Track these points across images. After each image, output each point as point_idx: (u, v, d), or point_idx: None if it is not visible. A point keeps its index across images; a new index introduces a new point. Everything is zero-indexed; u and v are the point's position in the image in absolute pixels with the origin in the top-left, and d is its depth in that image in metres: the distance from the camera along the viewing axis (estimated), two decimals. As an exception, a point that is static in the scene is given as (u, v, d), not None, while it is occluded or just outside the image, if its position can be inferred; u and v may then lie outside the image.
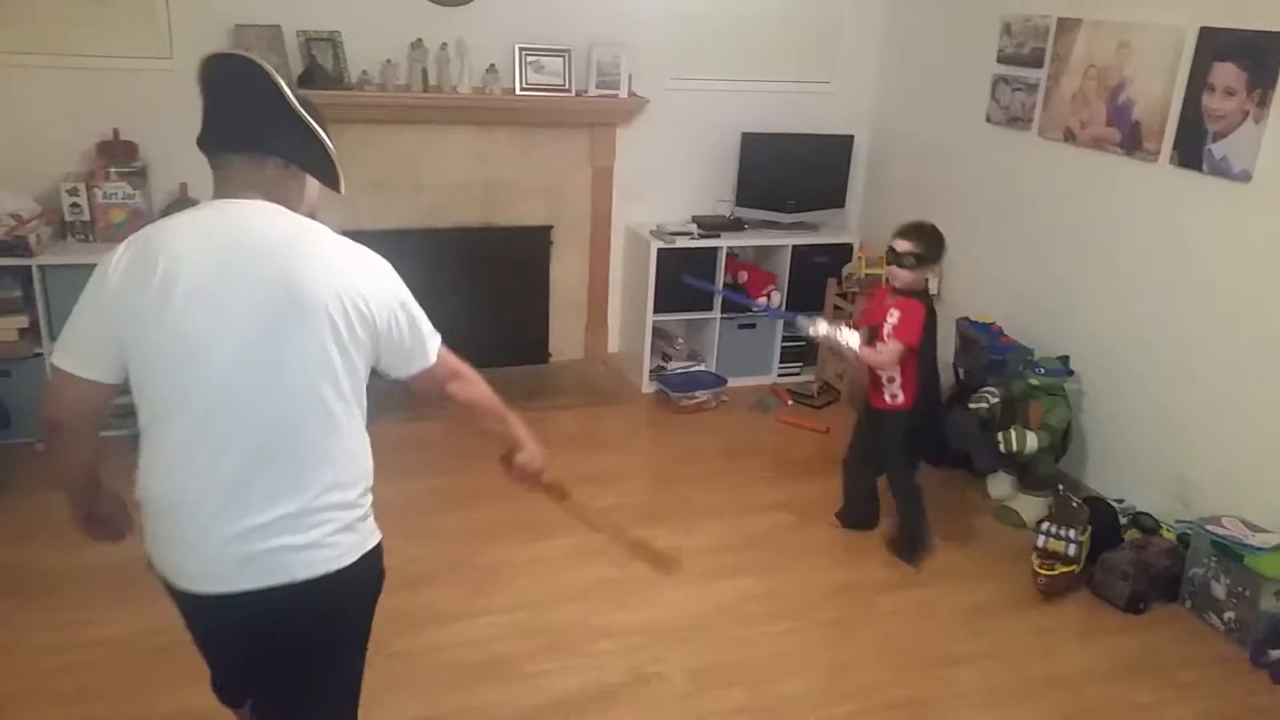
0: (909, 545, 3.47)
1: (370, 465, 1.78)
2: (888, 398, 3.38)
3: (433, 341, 1.84)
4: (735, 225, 4.83)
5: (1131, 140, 3.60)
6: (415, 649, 2.85)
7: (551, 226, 4.74)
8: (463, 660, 2.79)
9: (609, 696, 2.74)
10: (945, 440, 3.80)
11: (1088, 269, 3.85)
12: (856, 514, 3.62)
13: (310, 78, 4.05)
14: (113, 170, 3.91)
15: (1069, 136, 3.88)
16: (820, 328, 3.36)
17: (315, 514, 1.67)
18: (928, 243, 3.26)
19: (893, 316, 3.26)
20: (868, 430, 3.53)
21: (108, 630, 2.85)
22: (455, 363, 1.89)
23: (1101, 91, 3.72)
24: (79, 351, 1.64)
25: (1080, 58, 3.81)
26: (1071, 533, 3.24)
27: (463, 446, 4.12)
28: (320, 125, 1.76)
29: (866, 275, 4.65)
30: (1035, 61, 4.02)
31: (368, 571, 1.78)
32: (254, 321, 1.60)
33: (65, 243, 3.89)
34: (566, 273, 4.85)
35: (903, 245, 3.25)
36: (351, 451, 1.74)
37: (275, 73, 1.69)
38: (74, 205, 3.88)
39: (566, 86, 4.43)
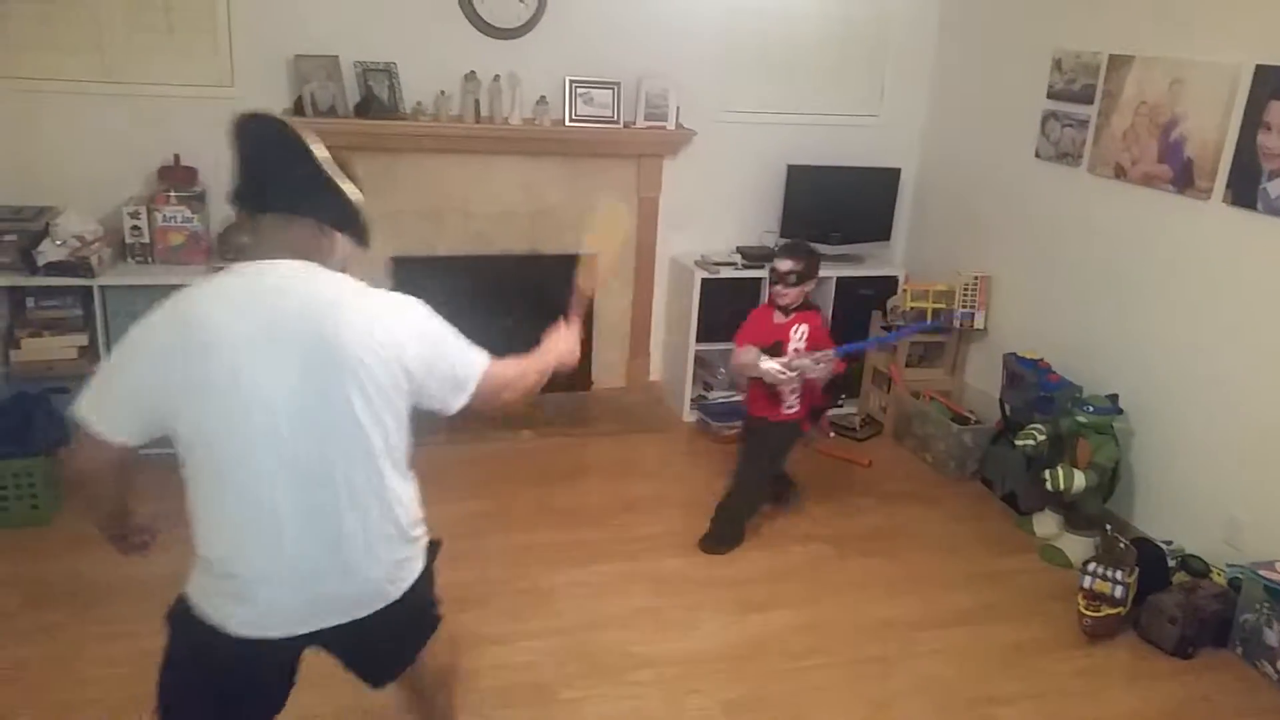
0: (728, 538, 3.61)
1: (417, 503, 1.89)
2: (784, 409, 3.56)
3: (475, 368, 1.89)
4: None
5: (1183, 178, 3.57)
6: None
7: (597, 255, 4.76)
8: (500, 684, 2.80)
9: (645, 726, 2.74)
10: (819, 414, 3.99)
11: (1138, 307, 3.80)
12: (778, 498, 3.90)
13: (366, 107, 4.15)
14: (173, 194, 4.02)
15: (1119, 173, 3.86)
16: (764, 363, 3.46)
17: (374, 558, 1.78)
18: (807, 260, 3.51)
19: (801, 331, 3.52)
20: (759, 439, 3.71)
21: (159, 641, 2.89)
22: (500, 376, 1.94)
23: (1153, 129, 3.69)
24: (111, 418, 1.69)
25: (1132, 94, 3.79)
26: (1118, 574, 3.18)
27: (504, 470, 4.18)
28: (352, 181, 1.80)
29: (911, 308, 4.63)
30: (1086, 98, 4.01)
31: (418, 597, 1.91)
32: (302, 384, 1.66)
33: (125, 264, 3.99)
34: (611, 301, 4.89)
35: (785, 264, 3.49)
36: (400, 493, 1.82)
37: (304, 134, 1.75)
38: (134, 228, 3.99)
39: (615, 118, 4.49)
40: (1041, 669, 3.08)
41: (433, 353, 1.81)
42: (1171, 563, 3.42)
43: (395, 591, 1.84)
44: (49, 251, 3.75)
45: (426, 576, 1.94)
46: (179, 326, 1.68)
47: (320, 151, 1.76)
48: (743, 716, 2.79)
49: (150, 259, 4.02)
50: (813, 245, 3.70)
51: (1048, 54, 4.20)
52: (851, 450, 4.57)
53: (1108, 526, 3.46)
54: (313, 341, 1.67)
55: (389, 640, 1.94)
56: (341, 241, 1.83)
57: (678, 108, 4.57)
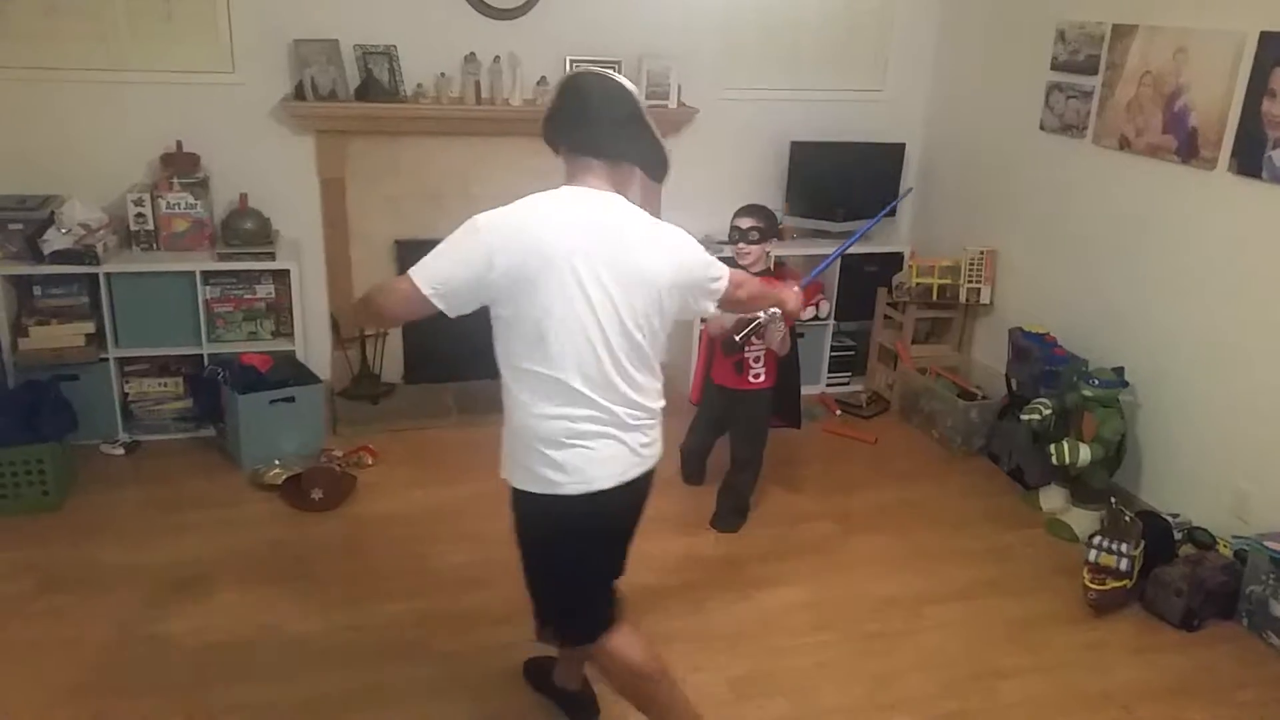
0: (737, 513, 3.65)
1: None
2: (751, 378, 3.55)
3: (722, 280, 2.25)
4: (784, 233, 4.82)
5: (1188, 148, 3.54)
6: (463, 650, 2.90)
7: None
8: (509, 662, 2.82)
9: (651, 702, 2.75)
10: (796, 407, 3.89)
11: (1143, 278, 3.78)
12: (692, 473, 3.91)
13: (366, 90, 4.14)
14: (176, 180, 4.03)
15: (1124, 144, 3.83)
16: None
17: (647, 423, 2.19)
18: (765, 217, 3.51)
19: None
20: (718, 409, 3.69)
21: (166, 627, 2.94)
22: (734, 274, 2.31)
23: (1157, 98, 3.66)
24: (445, 287, 2.01)
25: (1136, 64, 3.76)
26: (1124, 547, 3.18)
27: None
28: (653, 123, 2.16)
29: (918, 284, 4.61)
30: (1090, 69, 3.97)
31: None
32: (613, 282, 2.03)
33: (130, 251, 4.01)
34: (615, 281, 4.89)
35: (745, 222, 3.48)
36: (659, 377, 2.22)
37: (627, 86, 2.10)
38: (139, 215, 4.00)
39: (616, 97, 4.46)
40: (1047, 642, 3.08)
41: (700, 275, 2.20)
42: (1178, 535, 3.42)
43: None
44: (55, 240, 3.77)
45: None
46: (516, 228, 2.03)
47: (642, 101, 2.11)
48: (749, 693, 2.80)
49: (155, 245, 4.04)
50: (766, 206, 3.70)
51: (1051, 25, 4.16)
52: (857, 428, 4.57)
53: (1113, 500, 3.45)
54: (623, 253, 2.05)
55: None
56: (640, 178, 2.19)
57: (679, 86, 4.55)
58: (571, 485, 2.10)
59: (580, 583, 2.28)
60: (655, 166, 2.18)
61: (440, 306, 2.03)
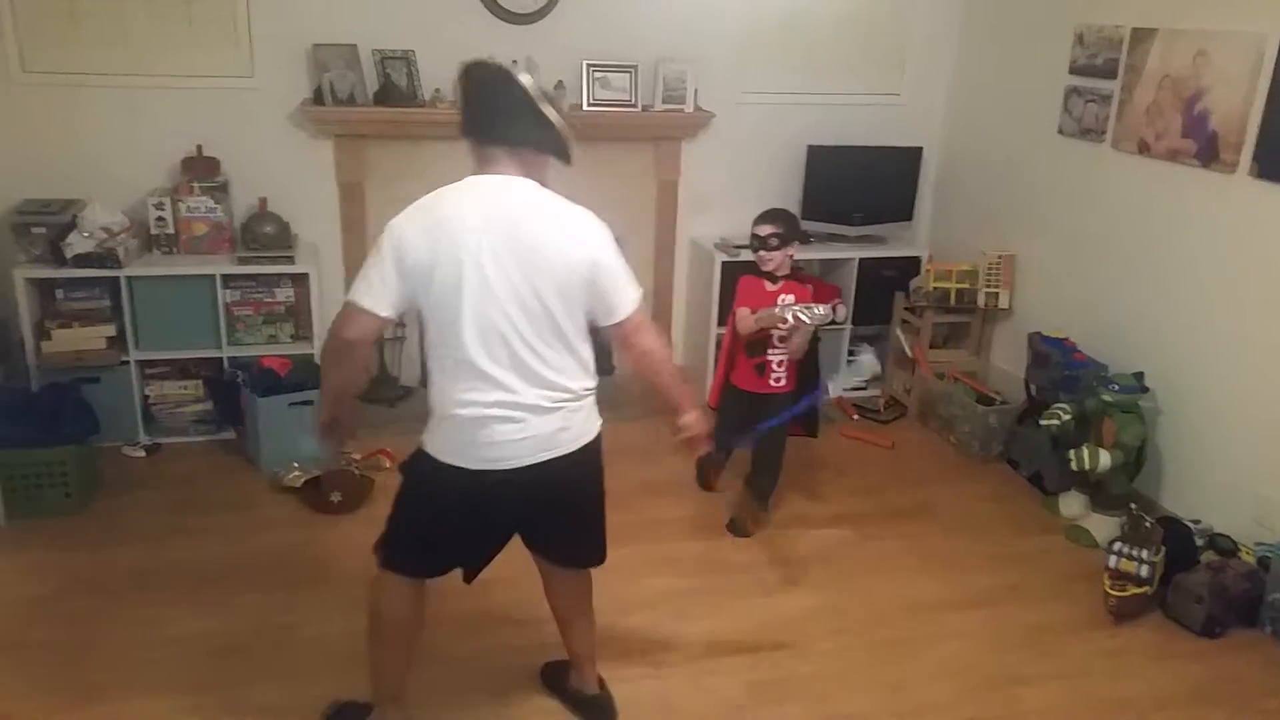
0: (755, 518, 3.63)
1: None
2: (772, 381, 3.55)
3: (632, 299, 2.24)
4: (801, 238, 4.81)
5: (1208, 152, 3.51)
6: (482, 651, 2.91)
7: (616, 239, 4.77)
8: (528, 664, 2.83)
9: (668, 707, 2.75)
10: (814, 416, 3.91)
11: (1163, 283, 3.76)
12: (711, 480, 3.90)
13: (385, 95, 4.16)
14: (196, 185, 4.07)
15: (1143, 148, 3.80)
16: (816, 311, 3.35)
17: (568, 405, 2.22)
18: (785, 222, 3.49)
19: (788, 299, 3.46)
20: (745, 411, 3.60)
21: (186, 628, 2.96)
22: (646, 319, 2.30)
23: (1177, 102, 3.64)
24: (378, 296, 2.13)
25: (1155, 68, 3.74)
26: (1144, 553, 3.16)
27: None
28: (554, 106, 2.20)
29: (935, 288, 4.60)
30: (1109, 73, 3.95)
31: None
32: (515, 265, 2.09)
33: (151, 255, 4.04)
34: (632, 285, 4.89)
35: (764, 229, 3.46)
36: (584, 358, 2.25)
37: (516, 74, 2.15)
38: (159, 219, 4.03)
39: (633, 102, 4.48)
40: (1066, 649, 3.06)
41: (599, 269, 2.18)
42: (1199, 541, 3.39)
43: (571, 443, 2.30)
44: (77, 244, 3.80)
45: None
46: (429, 222, 2.12)
47: (530, 87, 2.14)
48: (765, 698, 2.80)
49: (175, 249, 4.07)
50: (787, 209, 3.71)
51: (1069, 29, 4.14)
52: (875, 432, 4.55)
53: (1134, 506, 3.43)
54: (526, 236, 2.10)
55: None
56: (550, 162, 2.24)
57: (696, 90, 4.56)
58: (477, 463, 2.20)
59: (426, 534, 2.36)
60: (559, 151, 2.23)
61: (380, 312, 2.14)
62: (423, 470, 2.28)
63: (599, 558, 2.55)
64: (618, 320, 2.24)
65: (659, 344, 2.36)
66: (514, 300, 2.10)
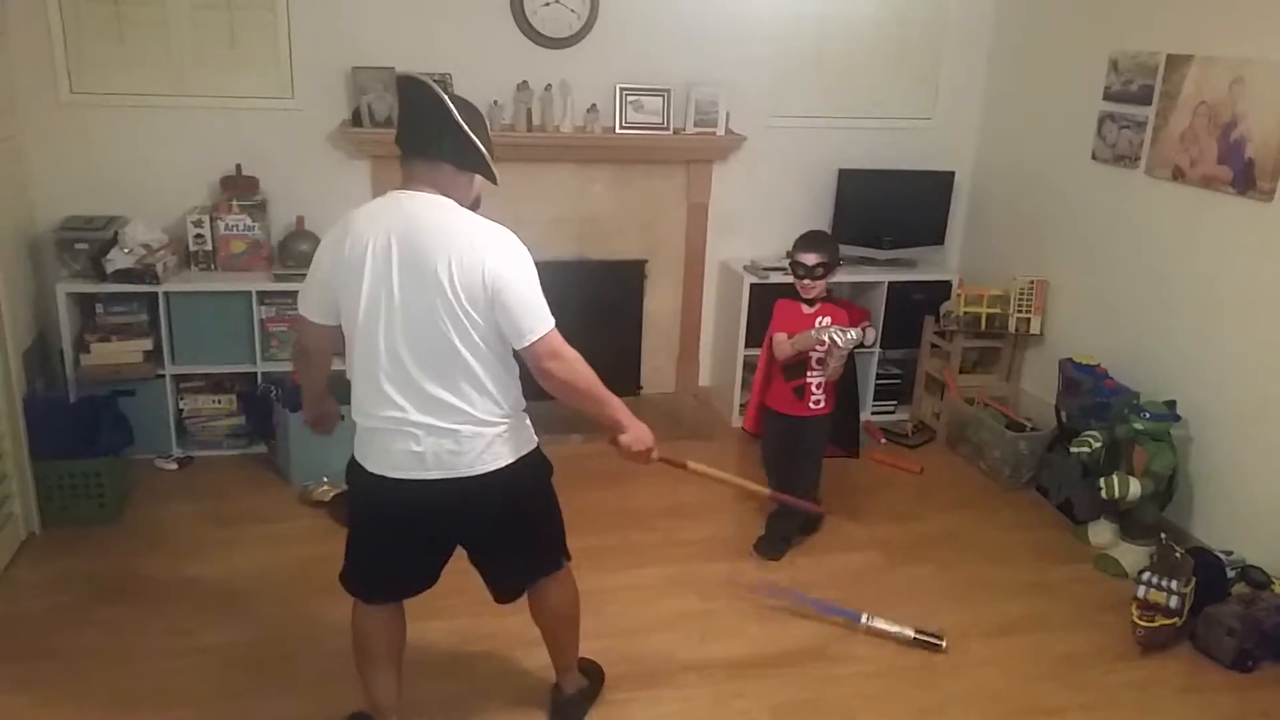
0: (785, 539, 3.64)
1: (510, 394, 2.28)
2: (811, 404, 3.54)
3: (538, 324, 2.17)
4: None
5: (1244, 179, 3.49)
6: (501, 672, 2.92)
7: (646, 261, 4.82)
8: (548, 685, 2.83)
9: (690, 729, 2.75)
10: (855, 430, 3.91)
11: (1196, 311, 3.72)
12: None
13: (420, 116, 4.22)
14: (235, 203, 4.15)
15: (1178, 175, 3.78)
16: (849, 334, 3.38)
17: (463, 430, 2.20)
18: (830, 250, 3.51)
19: (824, 322, 3.46)
20: (787, 437, 3.62)
21: (212, 639, 3.00)
22: (560, 346, 2.22)
23: (1213, 129, 3.62)
24: (309, 303, 2.27)
25: (1190, 94, 3.72)
26: (1174, 584, 3.12)
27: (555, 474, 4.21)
28: (484, 130, 2.20)
29: (966, 313, 4.58)
30: (1144, 99, 3.94)
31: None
32: (413, 287, 2.10)
33: (189, 271, 4.12)
34: (660, 307, 4.92)
35: (812, 259, 3.46)
36: (487, 384, 2.20)
37: (443, 93, 2.11)
38: (198, 236, 4.11)
39: (665, 125, 4.51)
40: (1093, 680, 3.03)
41: (504, 291, 2.12)
42: (1231, 573, 3.34)
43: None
44: (117, 259, 3.89)
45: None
46: (340, 234, 2.18)
47: (456, 108, 2.12)
48: (788, 721, 2.79)
49: (213, 266, 4.15)
50: (827, 232, 3.70)
51: (1104, 55, 4.13)
52: (903, 457, 4.53)
53: (1164, 536, 3.38)
54: (420, 254, 2.09)
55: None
56: (476, 181, 2.25)
57: (727, 113, 4.59)
58: (376, 469, 2.26)
59: (360, 549, 2.43)
60: (482, 169, 2.22)
61: (312, 318, 2.28)
62: (355, 476, 2.35)
63: (516, 591, 2.53)
64: (524, 345, 2.17)
65: (572, 373, 2.23)
66: (409, 321, 2.11)
